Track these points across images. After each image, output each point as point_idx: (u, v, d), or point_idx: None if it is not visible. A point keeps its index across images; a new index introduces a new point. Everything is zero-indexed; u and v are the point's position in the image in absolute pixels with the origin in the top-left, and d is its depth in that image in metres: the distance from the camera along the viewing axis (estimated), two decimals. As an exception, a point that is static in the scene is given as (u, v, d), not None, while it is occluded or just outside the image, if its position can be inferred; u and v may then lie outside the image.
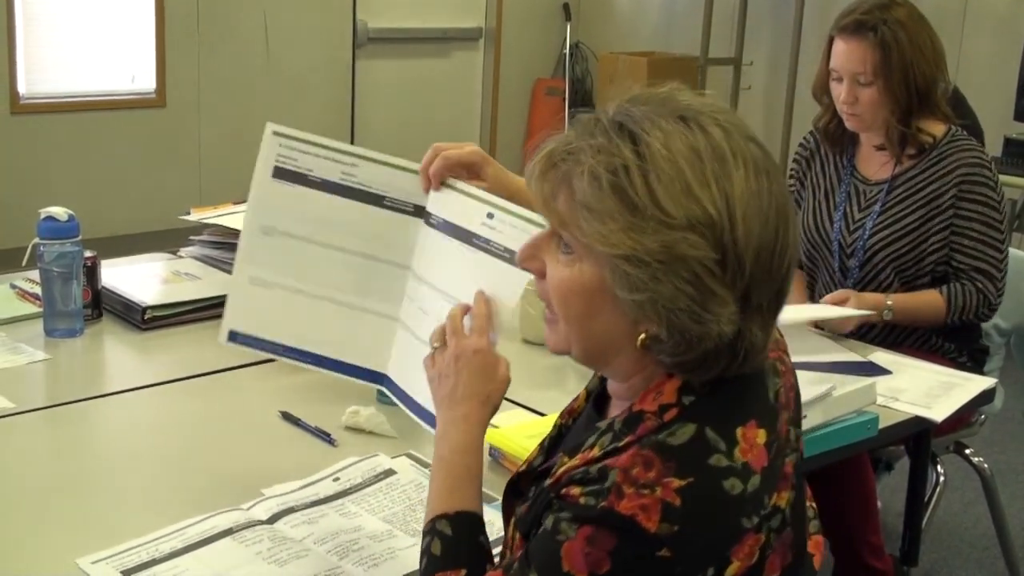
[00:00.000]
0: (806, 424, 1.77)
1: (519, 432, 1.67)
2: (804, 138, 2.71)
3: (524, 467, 1.30)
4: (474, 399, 1.29)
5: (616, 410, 1.16)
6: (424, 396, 1.44)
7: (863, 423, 1.86)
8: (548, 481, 1.12)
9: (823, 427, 1.81)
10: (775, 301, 1.09)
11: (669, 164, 1.04)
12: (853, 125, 2.51)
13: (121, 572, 1.36)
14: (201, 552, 1.40)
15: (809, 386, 1.83)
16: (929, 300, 2.47)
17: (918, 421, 1.97)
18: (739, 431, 1.08)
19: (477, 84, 6.84)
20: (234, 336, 1.59)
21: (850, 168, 2.61)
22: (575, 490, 1.06)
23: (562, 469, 1.11)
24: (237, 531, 1.45)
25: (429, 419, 1.44)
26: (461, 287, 1.40)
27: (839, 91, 2.47)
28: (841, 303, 2.37)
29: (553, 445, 1.30)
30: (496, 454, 1.67)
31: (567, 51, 6.70)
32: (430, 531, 1.24)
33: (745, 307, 1.06)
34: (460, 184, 1.51)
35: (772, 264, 1.07)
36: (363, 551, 1.43)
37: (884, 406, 1.95)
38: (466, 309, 1.35)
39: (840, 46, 2.45)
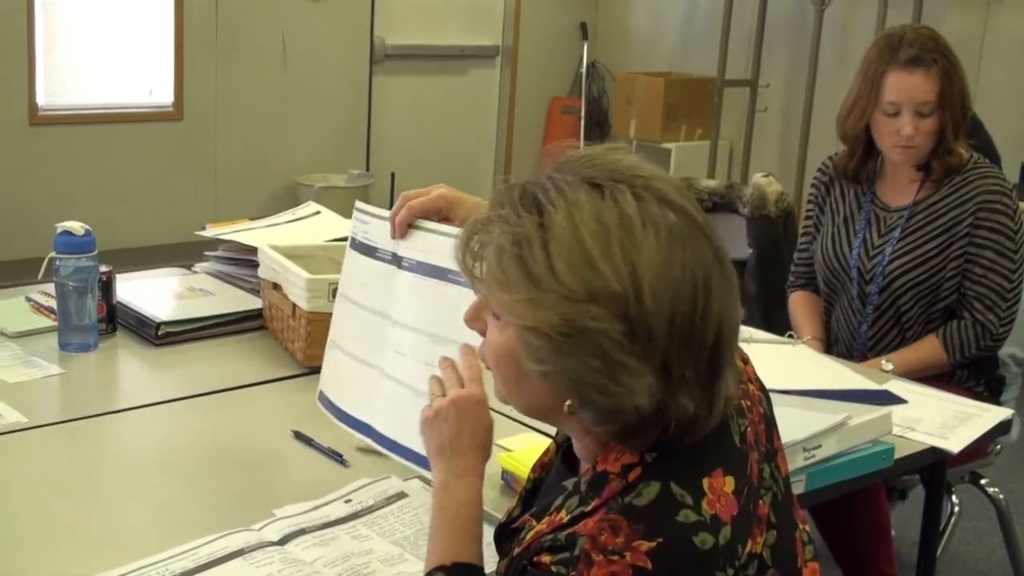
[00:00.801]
0: (822, 453, 1.76)
1: (530, 456, 1.65)
2: (824, 163, 2.70)
3: (504, 518, 1.30)
4: (476, 451, 1.29)
5: (583, 467, 1.16)
6: (415, 440, 1.46)
7: (878, 453, 1.85)
8: (517, 549, 1.12)
9: (837, 457, 1.79)
10: (708, 372, 1.05)
11: (571, 236, 1.03)
12: (906, 158, 2.50)
13: (131, 592, 1.35)
14: (212, 573, 1.40)
15: (824, 414, 1.82)
16: (927, 349, 2.49)
17: (934, 452, 1.95)
18: (705, 482, 1.07)
19: (493, 102, 6.85)
20: (320, 396, 1.74)
21: (870, 195, 2.60)
22: (546, 557, 1.05)
23: (531, 535, 1.10)
24: (248, 552, 1.44)
25: (421, 462, 1.47)
26: (443, 324, 1.47)
27: (893, 126, 2.45)
28: None
29: (528, 498, 1.29)
30: (508, 478, 1.66)
31: (584, 70, 6.71)
32: None
33: (666, 379, 1.03)
34: (428, 224, 1.54)
35: (691, 335, 1.03)
36: (374, 575, 1.42)
37: (900, 436, 1.94)
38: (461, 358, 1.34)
39: (902, 79, 2.44)
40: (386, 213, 1.60)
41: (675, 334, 1.02)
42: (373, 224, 1.63)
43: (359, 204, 1.70)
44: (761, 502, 1.13)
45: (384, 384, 1.58)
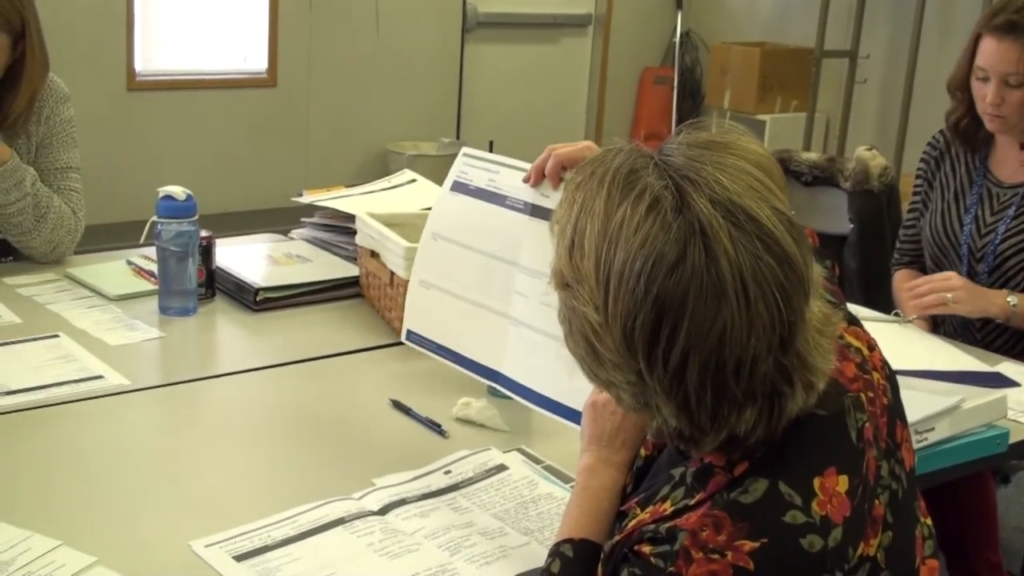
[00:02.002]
0: (934, 437, 1.71)
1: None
2: (934, 137, 2.61)
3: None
4: (630, 450, 1.28)
5: (694, 454, 1.12)
6: (543, 384, 1.51)
7: (992, 438, 1.78)
8: (619, 536, 1.10)
9: (950, 440, 1.74)
10: (686, 393, 0.99)
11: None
12: (996, 127, 2.40)
13: (234, 557, 1.35)
14: (313, 541, 1.39)
15: (936, 396, 1.76)
16: None
17: (1050, 437, 1.88)
18: (816, 482, 1.02)
19: (585, 71, 6.78)
20: (410, 335, 1.76)
21: (983, 170, 2.50)
22: (646, 548, 1.04)
23: (633, 523, 1.09)
24: (349, 521, 1.43)
25: (553, 407, 1.51)
26: None
27: (984, 91, 2.36)
28: (946, 287, 2.33)
29: (640, 475, 1.27)
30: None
31: (677, 40, 6.60)
32: (554, 552, 1.23)
33: (643, 385, 1.01)
34: None
35: (653, 351, 0.98)
36: (475, 548, 1.40)
37: (1014, 420, 1.87)
38: None
39: (991, 45, 2.34)
40: (507, 160, 1.63)
41: (630, 345, 1.00)
42: (503, 173, 1.63)
43: (467, 150, 1.72)
44: (877, 502, 1.09)
45: (512, 330, 1.58)
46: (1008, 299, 2.34)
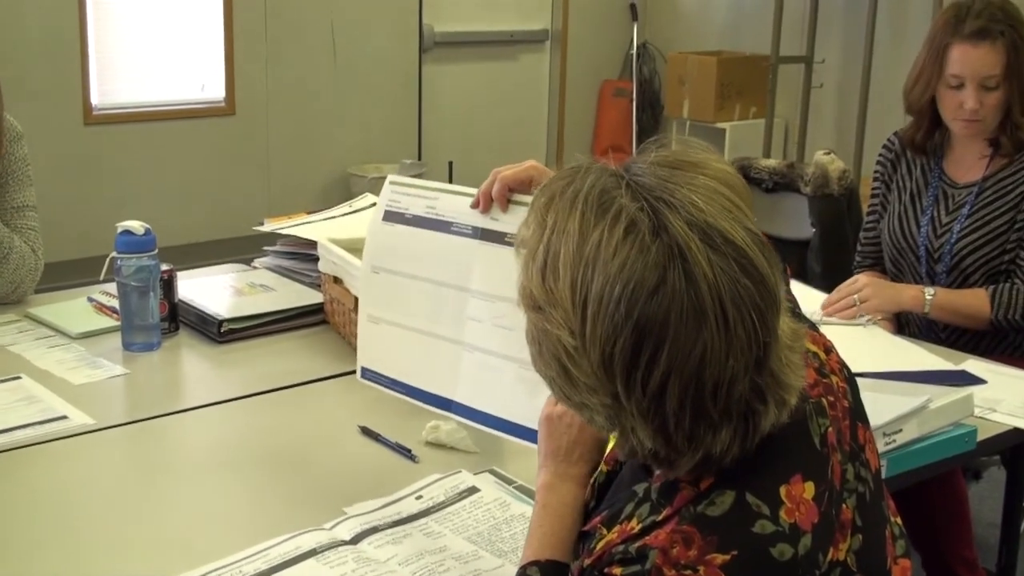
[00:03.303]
0: (902, 438, 1.71)
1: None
2: (889, 139, 2.63)
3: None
4: (588, 464, 1.27)
5: (656, 469, 1.11)
6: (501, 407, 1.50)
7: (960, 436, 1.79)
8: (588, 560, 1.09)
9: (919, 441, 1.74)
10: (667, 418, 0.98)
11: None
12: (971, 131, 2.43)
13: (205, 595, 1.34)
14: (286, 574, 1.38)
15: (903, 398, 1.77)
16: (973, 297, 2.41)
17: (1017, 433, 1.90)
18: (783, 490, 1.02)
19: (544, 86, 6.80)
20: (364, 373, 1.73)
21: (938, 171, 2.53)
22: (616, 570, 1.03)
23: (601, 544, 1.07)
24: (321, 552, 1.42)
25: (514, 430, 1.50)
26: None
27: (957, 99, 2.39)
28: (852, 290, 2.41)
29: (601, 490, 1.26)
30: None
31: (634, 52, 6.63)
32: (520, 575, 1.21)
33: (618, 408, 1.00)
34: (526, 198, 1.50)
35: (631, 374, 0.97)
36: (449, 573, 1.39)
37: (981, 417, 1.88)
38: None
39: (965, 52, 2.37)
40: (440, 186, 1.61)
41: (608, 369, 0.98)
42: (442, 199, 1.60)
43: (393, 177, 1.69)
44: (844, 506, 1.08)
45: (467, 356, 1.56)
46: (924, 290, 2.38)
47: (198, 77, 5.65)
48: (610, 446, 1.30)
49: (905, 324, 2.55)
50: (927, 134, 2.51)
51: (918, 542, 2.34)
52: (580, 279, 0.98)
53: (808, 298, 2.38)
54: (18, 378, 1.99)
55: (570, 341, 0.99)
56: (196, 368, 2.14)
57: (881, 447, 1.67)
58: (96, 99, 5.33)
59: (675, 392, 0.97)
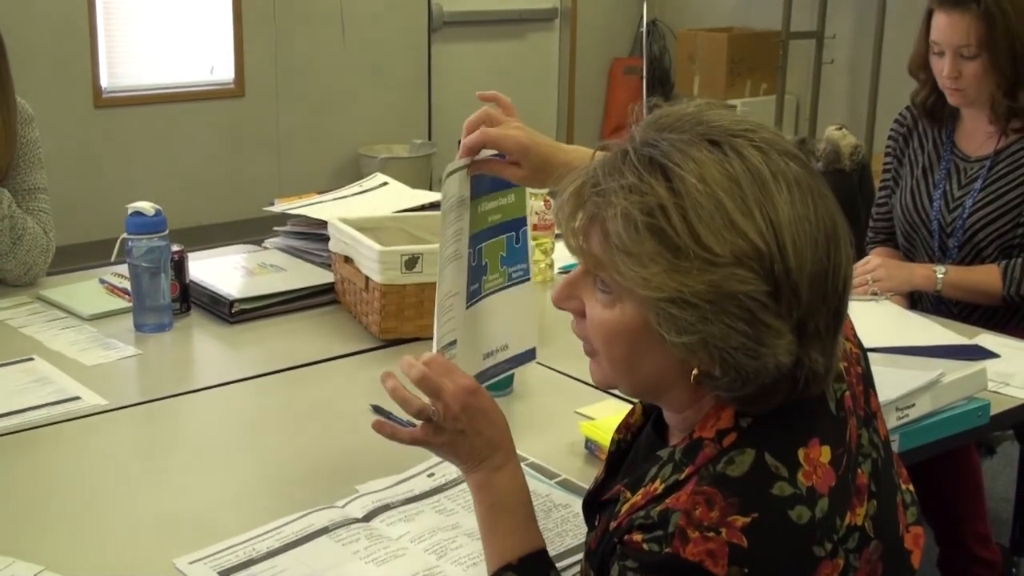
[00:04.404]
0: (915, 412, 1.71)
1: (612, 423, 1.61)
2: (901, 114, 2.62)
3: (592, 486, 1.27)
4: (502, 437, 1.25)
5: (675, 438, 1.12)
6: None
7: (974, 410, 1.79)
8: (612, 523, 1.08)
9: (932, 415, 1.74)
10: (833, 324, 1.03)
11: (707, 198, 0.98)
12: (956, 100, 2.41)
13: (219, 573, 1.34)
14: (298, 551, 1.38)
15: (916, 372, 1.76)
16: (985, 273, 2.40)
17: (1031, 407, 1.89)
18: (801, 452, 1.02)
19: (553, 65, 6.78)
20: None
21: (949, 145, 2.51)
22: (637, 536, 1.02)
23: (625, 507, 1.07)
24: (333, 529, 1.43)
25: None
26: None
27: (941, 66, 2.37)
28: (865, 271, 2.41)
29: (613, 462, 1.26)
30: (592, 447, 1.63)
31: (644, 29, 6.59)
32: None
33: (801, 335, 1.00)
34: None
35: (827, 288, 1.00)
36: (461, 550, 1.39)
37: (994, 391, 1.88)
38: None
39: (941, 19, 2.35)
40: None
41: (815, 288, 0.99)
42: (450, 179, 1.47)
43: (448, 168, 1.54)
44: (860, 471, 1.09)
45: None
46: (935, 268, 2.37)
47: (207, 59, 5.65)
48: (618, 422, 1.30)
49: (918, 300, 2.54)
50: (928, 97, 2.49)
51: (932, 517, 2.34)
52: (762, 216, 0.98)
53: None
54: (31, 359, 2.00)
55: (764, 289, 0.97)
56: (208, 348, 2.15)
57: (894, 422, 1.67)
58: (105, 82, 5.33)
59: (847, 293, 1.03)
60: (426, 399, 1.25)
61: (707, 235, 0.97)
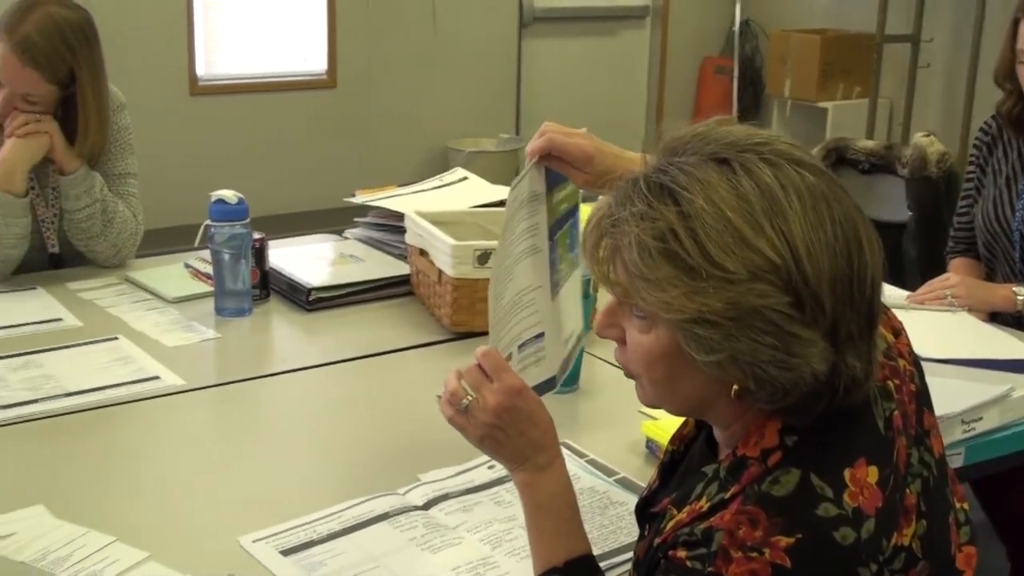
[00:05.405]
0: (982, 426, 1.69)
1: (674, 423, 1.63)
2: (986, 123, 2.58)
3: (646, 491, 1.28)
4: (548, 438, 1.26)
5: (723, 453, 1.12)
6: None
7: (1044, 426, 1.76)
8: (658, 539, 1.09)
9: (1000, 430, 1.72)
10: (866, 328, 1.03)
11: (715, 218, 0.99)
12: None
13: (281, 552, 1.39)
14: (357, 536, 1.42)
15: (985, 385, 1.74)
16: None
17: (1106, 426, 1.85)
18: (847, 473, 1.02)
19: (643, 63, 6.76)
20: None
21: (1034, 154, 2.47)
22: (681, 552, 1.03)
23: (671, 524, 1.08)
24: (392, 516, 1.46)
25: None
26: None
27: None
28: (944, 287, 2.32)
29: (666, 471, 1.27)
30: (652, 446, 1.64)
31: (736, 28, 6.56)
32: None
33: (835, 341, 1.00)
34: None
35: (853, 292, 1.01)
36: (516, 541, 1.42)
37: (1068, 408, 1.84)
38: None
39: None
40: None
41: (839, 293, 1.00)
42: (523, 179, 1.46)
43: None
44: (908, 491, 1.08)
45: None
46: (1015, 290, 2.32)
47: (301, 50, 5.74)
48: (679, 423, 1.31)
49: (996, 314, 2.50)
50: (1014, 107, 2.44)
51: (1004, 533, 2.30)
52: (773, 229, 0.99)
53: (891, 294, 2.33)
54: (115, 339, 2.07)
55: (785, 300, 0.98)
56: (284, 334, 2.20)
57: (959, 435, 1.65)
58: (201, 71, 5.45)
59: (878, 293, 1.04)
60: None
61: (719, 253, 0.98)
